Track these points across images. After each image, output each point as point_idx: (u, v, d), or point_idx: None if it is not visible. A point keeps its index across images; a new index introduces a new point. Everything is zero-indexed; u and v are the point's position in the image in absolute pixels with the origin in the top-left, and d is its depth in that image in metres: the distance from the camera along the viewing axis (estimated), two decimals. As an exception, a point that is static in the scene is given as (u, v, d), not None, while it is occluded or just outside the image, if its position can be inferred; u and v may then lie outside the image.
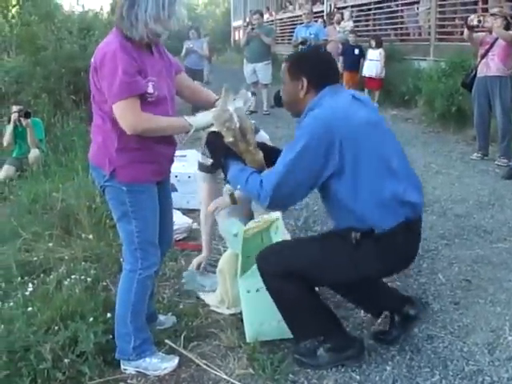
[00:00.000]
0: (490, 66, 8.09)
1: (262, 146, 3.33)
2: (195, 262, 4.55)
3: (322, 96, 3.14)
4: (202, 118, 3.19)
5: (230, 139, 3.09)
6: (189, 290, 4.35)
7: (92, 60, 3.08)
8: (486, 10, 12.27)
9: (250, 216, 4.34)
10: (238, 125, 3.09)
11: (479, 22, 8.03)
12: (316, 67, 3.25)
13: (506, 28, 7.99)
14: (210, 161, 4.20)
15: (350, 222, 3.10)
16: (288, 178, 2.97)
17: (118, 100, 2.94)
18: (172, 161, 3.47)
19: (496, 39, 8.05)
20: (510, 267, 4.70)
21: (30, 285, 4.14)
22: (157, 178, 3.32)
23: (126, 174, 3.12)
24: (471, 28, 8.14)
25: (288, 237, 3.63)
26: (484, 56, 8.16)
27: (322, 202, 3.33)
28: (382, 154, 3.05)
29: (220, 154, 3.23)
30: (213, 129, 3.18)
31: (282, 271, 3.12)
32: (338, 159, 2.95)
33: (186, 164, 6.49)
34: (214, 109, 3.24)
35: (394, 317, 3.55)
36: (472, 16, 8.25)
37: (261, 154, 3.20)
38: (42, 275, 4.43)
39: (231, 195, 4.15)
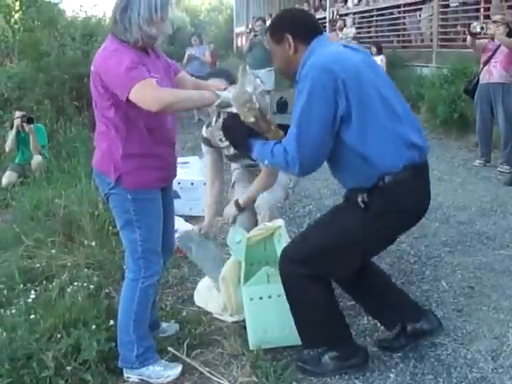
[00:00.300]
0: (492, 73, 8.09)
1: (280, 125, 3.27)
2: (196, 227, 4.54)
3: (312, 48, 3.09)
4: (227, 93, 3.12)
5: (252, 119, 3.04)
6: (191, 298, 4.34)
7: (92, 67, 3.09)
8: (488, 17, 12.29)
9: (255, 223, 4.36)
10: (257, 105, 3.05)
11: (482, 28, 8.03)
12: (295, 21, 3.22)
13: (509, 35, 7.99)
14: (231, 150, 4.22)
15: (360, 174, 3.05)
16: (306, 134, 2.91)
17: (132, 86, 2.90)
18: (176, 166, 3.48)
19: (498, 46, 8.07)
20: (513, 274, 4.69)
21: (33, 292, 4.15)
22: (162, 183, 3.32)
23: (131, 180, 3.12)
24: (474, 35, 8.15)
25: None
26: (486, 63, 8.17)
27: (330, 164, 3.25)
28: (384, 97, 3.01)
29: (242, 135, 3.19)
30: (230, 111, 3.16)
31: (302, 260, 3.12)
32: (345, 102, 2.89)
33: (189, 171, 6.49)
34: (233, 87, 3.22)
35: (405, 327, 3.50)
36: (475, 23, 8.26)
37: (281, 132, 3.16)
38: (44, 282, 4.43)
39: (236, 202, 4.15)
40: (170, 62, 3.41)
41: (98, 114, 3.16)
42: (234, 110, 3.09)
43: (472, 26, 8.16)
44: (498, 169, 8.10)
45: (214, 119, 4.22)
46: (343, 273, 3.29)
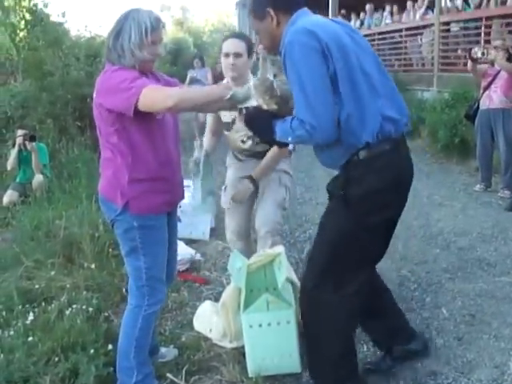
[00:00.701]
0: (492, 99, 8.12)
1: None
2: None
3: (294, 19, 3.07)
4: (239, 90, 3.09)
5: (274, 106, 3.04)
6: (191, 323, 4.32)
7: (94, 94, 3.12)
8: (488, 42, 12.39)
9: (253, 251, 4.38)
10: (278, 92, 3.05)
11: (483, 54, 8.07)
12: None
13: (509, 60, 8.02)
14: (256, 141, 4.17)
15: (336, 147, 3.01)
16: (314, 94, 2.83)
17: (139, 95, 2.90)
18: (182, 188, 3.48)
19: (498, 72, 8.11)
20: (514, 302, 4.67)
21: (31, 313, 4.14)
22: (169, 207, 3.34)
23: (138, 205, 3.13)
24: (475, 60, 8.18)
25: (292, 272, 3.62)
26: (487, 88, 8.20)
27: (315, 149, 3.22)
28: (363, 67, 2.97)
29: (266, 122, 3.09)
30: (249, 104, 3.10)
31: (319, 281, 3.11)
32: (331, 66, 2.85)
33: (190, 194, 6.47)
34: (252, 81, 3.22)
35: (392, 348, 3.48)
36: (475, 48, 8.30)
37: None
38: (43, 304, 4.40)
39: (250, 177, 4.15)
40: (169, 80, 3.42)
41: (103, 140, 3.18)
42: (252, 103, 3.07)
43: (473, 51, 8.20)
44: (499, 194, 8.09)
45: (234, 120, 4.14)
46: (363, 273, 3.24)
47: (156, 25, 3.09)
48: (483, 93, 8.26)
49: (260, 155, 4.26)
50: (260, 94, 3.06)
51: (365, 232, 3.08)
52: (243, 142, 3.55)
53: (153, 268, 3.23)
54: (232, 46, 4.03)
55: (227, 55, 4.12)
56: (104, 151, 3.22)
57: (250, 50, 4.08)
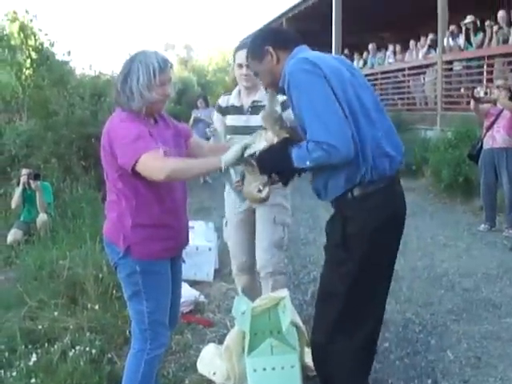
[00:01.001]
0: (495, 138, 8.17)
1: None
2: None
3: (294, 54, 3.10)
4: (230, 152, 3.09)
5: (286, 135, 3.03)
6: (194, 365, 4.28)
7: (102, 140, 3.14)
8: (491, 81, 12.50)
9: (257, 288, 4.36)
10: (288, 123, 3.06)
11: (485, 93, 8.14)
12: (274, 32, 3.32)
13: (511, 100, 8.12)
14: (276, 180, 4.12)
15: (335, 178, 3.00)
16: (327, 113, 2.82)
17: (139, 158, 2.95)
18: (187, 234, 3.50)
19: (501, 111, 8.17)
20: (520, 343, 4.63)
21: (34, 355, 4.13)
22: (171, 253, 3.33)
23: (140, 250, 3.12)
24: (477, 99, 8.25)
25: (296, 315, 3.61)
26: (489, 128, 8.26)
27: (314, 174, 3.19)
28: (361, 99, 2.98)
29: (284, 151, 2.98)
30: (253, 151, 3.08)
31: (333, 331, 3.08)
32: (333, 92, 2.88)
33: (194, 235, 6.47)
34: (261, 112, 3.22)
35: None
36: (478, 88, 8.38)
37: None
38: (46, 345, 4.40)
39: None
40: (180, 127, 3.45)
41: (109, 184, 3.20)
42: (256, 147, 3.06)
43: (476, 90, 8.28)
44: (504, 233, 8.10)
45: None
46: (374, 318, 3.23)
47: (164, 65, 3.12)
48: (486, 132, 8.31)
49: None
50: (270, 126, 3.06)
51: (369, 275, 3.06)
52: (260, 190, 3.49)
53: (155, 312, 3.21)
54: (245, 56, 4.05)
55: (240, 66, 4.20)
56: (110, 194, 3.24)
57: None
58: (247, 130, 3.94)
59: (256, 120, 3.37)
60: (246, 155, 3.07)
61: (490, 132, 8.24)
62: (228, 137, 4.43)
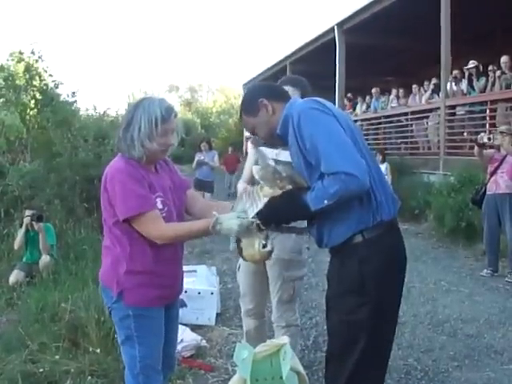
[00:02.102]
0: (499, 184, 8.24)
1: None
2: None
3: (294, 101, 3.17)
4: (227, 215, 3.04)
5: (289, 186, 3.04)
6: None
7: (102, 184, 3.15)
8: (493, 125, 12.59)
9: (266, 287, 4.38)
10: (285, 173, 3.06)
11: (489, 139, 8.19)
12: (266, 86, 3.37)
13: None
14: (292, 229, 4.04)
15: (347, 223, 2.99)
16: (341, 143, 2.85)
17: (135, 216, 3.01)
18: (182, 282, 3.49)
19: (505, 157, 8.25)
20: (523, 391, 4.60)
21: (35, 399, 4.10)
22: (164, 302, 3.30)
23: (132, 297, 3.13)
24: (481, 145, 8.30)
25: (297, 361, 3.59)
26: (493, 174, 8.34)
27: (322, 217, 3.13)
28: (363, 148, 3.03)
29: (299, 200, 2.96)
30: (254, 211, 3.01)
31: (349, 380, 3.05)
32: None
33: (196, 280, 6.51)
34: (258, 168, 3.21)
35: None
36: (482, 134, 8.44)
37: None
38: (47, 388, 4.37)
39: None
40: (180, 178, 3.46)
41: (106, 228, 3.22)
42: (258, 208, 2.99)
43: (479, 136, 8.35)
44: (506, 279, 8.11)
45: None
46: (388, 359, 3.24)
47: (167, 115, 3.12)
48: (490, 178, 8.35)
49: None
50: (270, 181, 3.05)
51: (384, 319, 3.07)
52: (264, 246, 3.42)
53: (148, 357, 3.20)
54: None
55: None
56: (105, 239, 3.26)
57: (305, 90, 4.09)
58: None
59: (286, 156, 3.34)
60: (250, 218, 3.01)
61: (494, 177, 8.30)
62: (254, 167, 4.37)
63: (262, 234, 3.08)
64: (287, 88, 3.95)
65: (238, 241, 3.21)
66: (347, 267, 3.06)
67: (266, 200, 2.99)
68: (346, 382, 3.07)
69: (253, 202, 3.04)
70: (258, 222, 3.00)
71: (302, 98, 3.36)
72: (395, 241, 3.14)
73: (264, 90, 3.26)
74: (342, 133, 2.90)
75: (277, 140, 3.24)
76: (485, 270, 8.49)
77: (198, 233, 3.19)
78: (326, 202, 2.85)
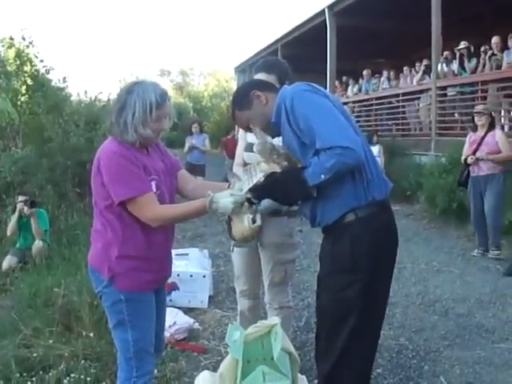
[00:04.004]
0: (480, 166, 8.29)
1: None
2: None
3: (282, 91, 3.19)
4: (222, 193, 3.03)
5: (285, 163, 3.04)
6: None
7: (93, 166, 3.12)
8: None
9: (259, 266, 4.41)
10: (282, 150, 3.06)
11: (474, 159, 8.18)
12: (253, 82, 3.43)
13: (491, 124, 8.34)
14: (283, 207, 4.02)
15: (342, 195, 3.02)
16: (334, 119, 2.90)
17: (130, 197, 2.99)
18: (171, 266, 3.48)
19: (483, 138, 8.26)
20: (513, 369, 4.65)
21: (29, 383, 4.11)
22: (155, 286, 3.31)
23: (124, 281, 3.12)
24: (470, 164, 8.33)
25: (288, 342, 3.61)
26: (473, 155, 8.35)
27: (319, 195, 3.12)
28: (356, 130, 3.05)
29: (300, 176, 2.96)
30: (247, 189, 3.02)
31: (339, 359, 3.10)
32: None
33: (188, 263, 6.52)
34: (257, 143, 3.19)
35: None
36: (468, 158, 8.32)
37: None
38: (40, 372, 4.36)
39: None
40: (171, 159, 3.43)
41: (97, 211, 3.19)
42: (253, 183, 3.01)
43: (468, 159, 8.29)
44: (489, 255, 8.22)
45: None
46: (378, 336, 3.30)
47: (161, 100, 3.10)
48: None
49: None
50: (268, 156, 3.05)
51: (375, 297, 3.12)
52: (254, 221, 3.34)
53: (140, 341, 3.20)
54: None
55: None
56: (96, 223, 3.23)
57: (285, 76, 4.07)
58: None
59: (275, 141, 3.34)
60: (244, 193, 3.02)
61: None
62: (245, 154, 4.35)
63: (251, 209, 3.09)
64: (261, 75, 3.99)
65: (229, 220, 3.23)
66: (339, 246, 3.09)
67: (261, 175, 3.00)
68: (336, 360, 3.12)
69: (248, 178, 3.07)
70: (250, 196, 3.02)
71: (281, 83, 3.37)
72: (387, 221, 3.17)
73: (254, 84, 3.34)
74: (335, 110, 2.95)
75: (272, 130, 3.24)
76: (476, 250, 8.53)
77: (194, 213, 3.18)
78: (322, 176, 2.88)
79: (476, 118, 8.48)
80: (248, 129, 3.36)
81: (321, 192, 3.02)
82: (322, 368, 3.24)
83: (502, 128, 12.69)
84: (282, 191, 3.05)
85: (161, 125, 3.15)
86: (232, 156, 4.40)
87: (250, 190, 3.01)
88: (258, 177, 3.00)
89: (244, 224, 3.12)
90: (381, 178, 3.12)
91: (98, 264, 3.20)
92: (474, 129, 8.59)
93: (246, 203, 3.05)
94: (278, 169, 3.03)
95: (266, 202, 3.31)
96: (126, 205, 3.03)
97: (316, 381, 3.53)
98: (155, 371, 3.78)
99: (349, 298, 3.04)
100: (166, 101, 3.15)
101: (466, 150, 8.59)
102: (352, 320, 3.05)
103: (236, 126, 4.66)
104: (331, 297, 3.14)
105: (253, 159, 3.10)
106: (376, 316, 3.21)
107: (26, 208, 8.19)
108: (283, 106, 3.04)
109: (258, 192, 3.03)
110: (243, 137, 4.49)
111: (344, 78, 20.49)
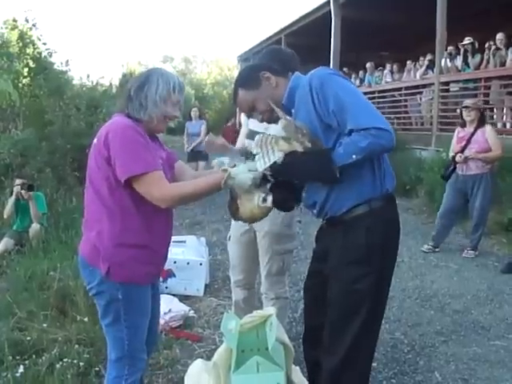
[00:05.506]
0: (468, 165, 8.05)
1: None
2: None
3: (296, 76, 3.17)
4: (239, 169, 2.92)
5: (308, 145, 2.91)
6: (182, 380, 4.25)
7: (95, 140, 2.96)
8: (486, 103, 12.54)
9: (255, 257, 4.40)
10: (305, 131, 2.94)
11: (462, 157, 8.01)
12: (264, 60, 3.42)
13: (480, 120, 8.09)
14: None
15: (355, 190, 3.00)
16: (368, 104, 2.89)
17: (144, 172, 2.82)
18: (165, 262, 3.36)
19: (472, 135, 8.03)
20: (508, 366, 4.65)
21: (22, 366, 4.10)
22: (153, 279, 3.21)
23: (121, 272, 2.94)
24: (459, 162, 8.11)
25: (283, 332, 3.60)
26: (461, 153, 8.08)
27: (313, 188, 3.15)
28: None
29: (327, 157, 2.89)
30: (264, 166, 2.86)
31: (349, 352, 3.09)
32: None
33: (185, 250, 6.52)
34: (280, 122, 3.01)
35: None
36: (457, 156, 8.13)
37: None
38: (33, 356, 4.37)
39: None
40: (169, 151, 3.33)
41: (92, 195, 3.01)
42: (270, 161, 2.85)
43: (457, 157, 8.06)
44: (463, 254, 8.18)
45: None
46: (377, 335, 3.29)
47: (183, 86, 3.10)
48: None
49: None
50: (292, 134, 2.91)
51: (385, 290, 3.16)
52: (265, 200, 3.21)
53: (134, 339, 3.08)
54: None
55: None
56: (89, 209, 3.05)
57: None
58: None
59: (274, 129, 3.26)
60: (260, 169, 2.88)
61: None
62: (246, 141, 4.31)
63: (264, 188, 3.00)
64: None
65: (234, 199, 3.10)
66: (353, 237, 3.05)
67: (281, 154, 2.87)
68: (345, 354, 3.11)
69: (264, 155, 2.90)
70: (269, 174, 2.91)
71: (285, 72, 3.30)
72: (395, 213, 3.18)
73: (266, 65, 3.26)
74: (362, 95, 2.96)
75: (270, 116, 3.20)
76: (425, 246, 8.55)
77: (207, 190, 2.97)
78: (354, 156, 2.82)
79: (464, 113, 8.22)
80: (249, 110, 3.29)
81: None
82: (330, 362, 3.20)
83: (504, 125, 12.71)
84: (305, 170, 2.94)
85: (176, 110, 3.08)
86: (230, 144, 4.35)
87: (271, 167, 2.87)
88: (277, 155, 2.87)
89: (253, 202, 3.00)
90: (391, 170, 3.12)
91: (91, 256, 2.99)
92: (463, 124, 8.31)
93: (258, 182, 2.95)
94: (299, 149, 2.91)
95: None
96: (134, 183, 2.84)
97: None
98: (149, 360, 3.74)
99: (362, 290, 3.03)
100: (184, 89, 3.14)
101: (454, 146, 8.35)
102: (364, 313, 3.04)
103: (237, 114, 4.62)
104: (343, 288, 3.11)
105: (253, 150, 3.00)
106: (383, 310, 3.23)
107: (23, 191, 8.16)
108: (308, 88, 2.96)
109: (279, 171, 2.91)
110: (246, 123, 4.47)
111: (346, 70, 20.43)
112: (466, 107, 8.25)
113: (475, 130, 8.08)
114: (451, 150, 8.47)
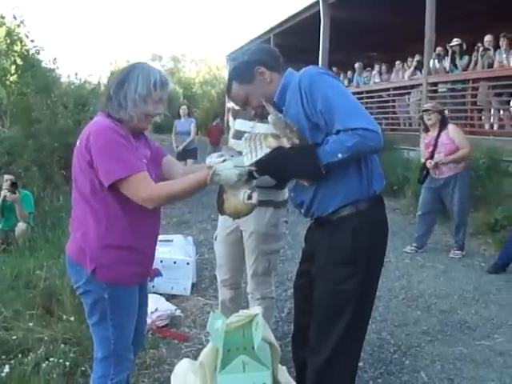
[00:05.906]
0: (440, 168, 8.02)
1: None
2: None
3: (289, 73, 3.17)
4: (224, 165, 2.89)
5: (296, 141, 2.90)
6: (168, 380, 4.25)
7: (78, 142, 2.90)
8: (474, 104, 12.59)
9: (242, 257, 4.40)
10: (295, 128, 2.94)
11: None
12: (261, 57, 3.26)
13: (441, 122, 8.00)
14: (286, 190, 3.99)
15: (343, 190, 3.01)
16: (357, 105, 2.89)
17: (128, 176, 2.77)
18: (152, 263, 3.33)
19: (437, 138, 7.99)
20: (493, 366, 4.66)
21: (7, 366, 4.08)
22: (140, 279, 3.17)
23: (108, 273, 2.92)
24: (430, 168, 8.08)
25: (269, 332, 3.60)
26: (430, 158, 8.05)
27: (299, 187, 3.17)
28: None
29: (313, 153, 2.87)
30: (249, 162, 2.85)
31: (334, 352, 3.09)
32: None
33: (172, 249, 6.50)
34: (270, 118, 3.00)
35: None
36: (427, 162, 8.12)
37: None
38: (19, 355, 4.33)
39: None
40: (155, 146, 3.26)
41: (78, 196, 2.97)
42: (257, 157, 2.84)
43: (427, 163, 8.02)
44: (450, 255, 8.19)
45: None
46: (369, 317, 3.30)
47: (165, 82, 2.99)
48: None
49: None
50: (281, 130, 2.91)
51: (372, 289, 3.16)
52: (250, 197, 3.18)
53: (120, 338, 3.05)
54: None
55: None
56: (76, 210, 3.02)
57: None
58: None
59: (261, 128, 3.23)
60: (247, 165, 2.86)
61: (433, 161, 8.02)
62: (232, 141, 4.26)
63: (248, 185, 2.99)
64: None
65: (221, 194, 3.08)
66: (339, 238, 3.06)
67: (268, 150, 2.86)
68: (330, 354, 3.11)
69: (252, 150, 2.89)
70: (254, 169, 2.88)
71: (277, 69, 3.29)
72: (383, 215, 3.19)
73: (261, 59, 3.22)
74: (352, 96, 2.96)
75: (261, 112, 3.19)
76: (408, 247, 8.51)
77: (194, 187, 2.91)
78: (340, 155, 2.81)
79: (425, 117, 8.16)
80: (242, 104, 3.27)
81: (325, 180, 2.97)
82: (315, 362, 3.21)
83: (491, 126, 12.76)
84: (290, 167, 2.92)
85: (158, 108, 2.99)
86: (215, 143, 4.35)
87: (256, 163, 2.85)
88: (264, 151, 2.86)
89: (239, 198, 2.98)
90: (379, 171, 3.12)
91: (77, 256, 2.96)
92: (426, 129, 8.27)
93: (245, 178, 2.92)
94: (287, 145, 2.90)
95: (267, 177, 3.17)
96: (119, 186, 2.80)
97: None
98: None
99: (348, 291, 3.03)
100: (168, 85, 3.04)
101: (423, 151, 8.32)
102: (349, 313, 3.04)
103: (225, 114, 4.61)
104: (328, 289, 3.11)
105: (241, 146, 2.99)
106: (369, 310, 3.23)
107: (8, 194, 8.11)
108: (297, 85, 2.97)
109: (265, 166, 2.88)
110: (232, 124, 4.46)
111: (335, 69, 20.44)
112: (426, 110, 8.20)
113: (439, 133, 8.03)
114: (421, 156, 8.45)
